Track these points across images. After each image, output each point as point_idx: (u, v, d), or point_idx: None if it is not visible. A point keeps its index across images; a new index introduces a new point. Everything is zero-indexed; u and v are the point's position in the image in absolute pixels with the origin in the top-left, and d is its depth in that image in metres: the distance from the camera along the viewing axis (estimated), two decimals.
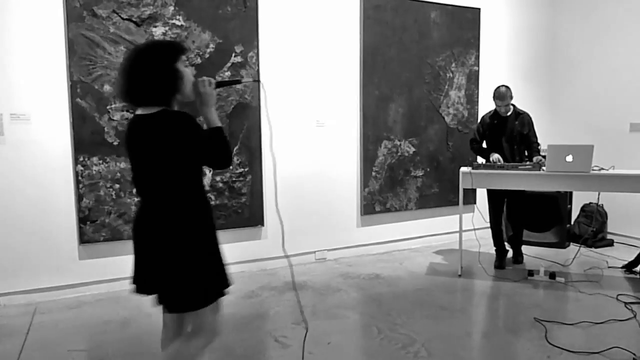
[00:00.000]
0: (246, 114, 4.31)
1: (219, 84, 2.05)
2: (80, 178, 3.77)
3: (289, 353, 2.89)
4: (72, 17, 3.65)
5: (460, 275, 4.32)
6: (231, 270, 4.58)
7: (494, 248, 4.69)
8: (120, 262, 3.98)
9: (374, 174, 4.98)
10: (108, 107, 3.81)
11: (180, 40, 3.99)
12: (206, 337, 1.98)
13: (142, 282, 1.96)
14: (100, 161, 3.82)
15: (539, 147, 4.47)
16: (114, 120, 3.83)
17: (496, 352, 2.93)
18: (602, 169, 4.06)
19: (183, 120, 1.78)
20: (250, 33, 4.27)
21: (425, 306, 3.56)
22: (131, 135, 1.90)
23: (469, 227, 5.00)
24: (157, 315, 3.43)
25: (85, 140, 3.77)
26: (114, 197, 3.88)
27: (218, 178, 4.24)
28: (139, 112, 1.88)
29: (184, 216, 1.86)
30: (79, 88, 3.71)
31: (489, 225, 4.75)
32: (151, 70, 1.80)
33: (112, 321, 3.38)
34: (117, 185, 3.88)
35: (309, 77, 4.63)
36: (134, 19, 3.84)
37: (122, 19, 3.80)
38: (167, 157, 1.80)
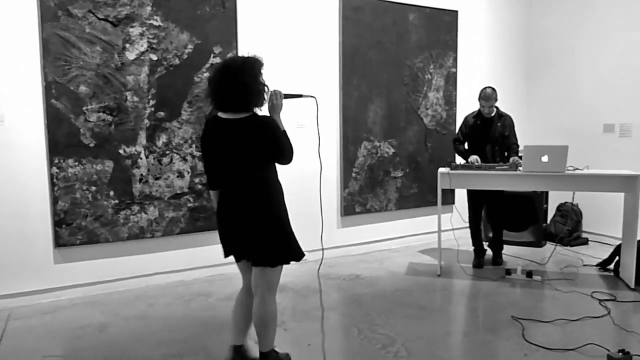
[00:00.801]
0: None
1: (286, 96, 2.53)
2: (55, 180, 3.70)
3: None
4: (47, 16, 3.58)
5: (439, 275, 4.36)
6: (211, 273, 4.58)
7: (472, 247, 4.75)
8: (97, 266, 3.93)
9: (354, 174, 5.00)
10: (84, 109, 3.75)
11: (158, 40, 3.95)
12: (275, 292, 2.52)
13: (238, 250, 2.47)
14: (76, 163, 3.75)
15: (518, 149, 4.54)
16: (90, 121, 3.77)
17: (475, 351, 2.97)
18: (577, 169, 4.14)
19: (272, 124, 2.38)
20: (229, 34, 4.24)
21: (405, 306, 3.58)
22: (221, 134, 2.37)
23: (447, 227, 5.05)
24: (134, 320, 3.39)
25: (61, 141, 3.69)
26: (90, 199, 3.81)
27: (197, 180, 4.21)
28: (225, 116, 2.36)
29: (274, 194, 2.45)
30: (53, 89, 3.64)
31: (467, 225, 4.81)
32: (250, 83, 2.31)
33: (89, 326, 3.32)
34: (94, 188, 3.82)
35: (288, 78, 4.61)
36: (110, 19, 3.78)
37: (98, 18, 3.74)
38: (262, 151, 2.36)
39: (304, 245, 4.66)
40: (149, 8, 3.91)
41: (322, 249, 3.26)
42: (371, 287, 4.09)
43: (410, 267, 4.66)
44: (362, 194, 5.07)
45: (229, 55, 4.25)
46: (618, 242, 4.37)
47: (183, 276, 4.26)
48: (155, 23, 3.95)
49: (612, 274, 4.37)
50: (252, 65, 2.36)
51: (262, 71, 2.39)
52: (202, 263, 4.33)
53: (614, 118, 5.34)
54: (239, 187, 2.42)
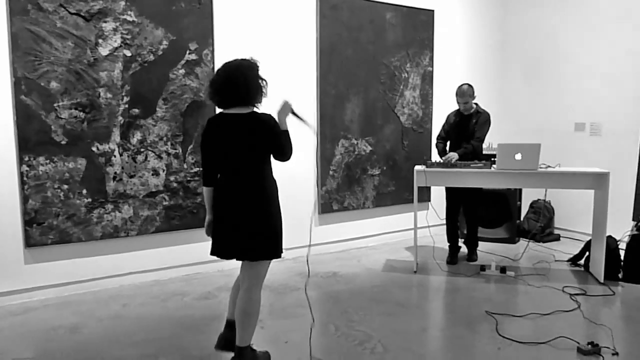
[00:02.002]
0: (201, 113, 4.24)
1: (292, 112, 2.67)
2: (25, 179, 3.60)
3: None
4: (16, 10, 3.48)
5: (415, 272, 4.41)
6: (187, 272, 4.53)
7: (448, 244, 4.81)
8: (70, 266, 3.86)
9: (331, 172, 5.01)
10: (55, 105, 3.66)
11: (132, 36, 3.88)
12: (261, 285, 2.61)
13: (229, 246, 2.54)
14: (47, 161, 3.67)
15: (477, 143, 4.50)
16: (61, 118, 3.69)
17: (450, 345, 3.01)
18: (549, 166, 4.23)
19: (271, 121, 2.52)
20: (205, 30, 4.20)
21: (382, 302, 3.61)
22: (224, 128, 2.51)
23: (423, 225, 5.11)
24: (108, 320, 3.34)
25: (31, 139, 3.60)
26: (62, 198, 3.73)
27: (172, 178, 4.16)
28: (230, 111, 2.52)
29: (269, 189, 2.57)
30: (23, 85, 3.55)
31: (443, 222, 4.87)
32: (254, 82, 2.51)
33: (61, 327, 3.25)
34: (66, 186, 3.74)
35: (265, 76, 4.59)
36: (82, 14, 3.70)
37: (70, 13, 3.66)
38: (260, 146, 2.50)
39: (283, 242, 4.64)
40: (122, 3, 3.84)
41: (309, 246, 3.25)
42: (348, 284, 4.11)
43: (387, 264, 4.70)
44: (340, 191, 5.09)
45: (205, 52, 4.21)
46: (588, 238, 4.48)
47: (158, 275, 4.21)
48: (129, 18, 3.88)
49: (582, 269, 4.48)
50: (250, 65, 2.54)
51: (259, 71, 2.57)
52: (178, 262, 4.28)
53: (585, 117, 5.47)
54: (235, 180, 2.53)
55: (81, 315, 3.45)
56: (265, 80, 2.58)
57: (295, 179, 4.86)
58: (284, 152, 2.57)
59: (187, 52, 4.14)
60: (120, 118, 3.91)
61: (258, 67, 2.58)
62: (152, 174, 4.08)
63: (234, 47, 4.40)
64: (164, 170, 4.12)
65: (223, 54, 4.33)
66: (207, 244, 4.52)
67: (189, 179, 4.23)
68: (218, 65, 4.27)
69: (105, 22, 3.79)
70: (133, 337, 3.10)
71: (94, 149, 3.83)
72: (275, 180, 2.64)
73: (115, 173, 3.92)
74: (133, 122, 3.96)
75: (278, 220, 2.59)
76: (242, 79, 2.48)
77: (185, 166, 4.21)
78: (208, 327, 3.24)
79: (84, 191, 3.81)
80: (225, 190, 2.56)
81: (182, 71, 4.12)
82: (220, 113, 2.57)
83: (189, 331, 3.18)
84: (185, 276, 4.28)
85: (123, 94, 3.90)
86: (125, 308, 3.58)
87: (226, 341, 2.71)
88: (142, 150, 4.02)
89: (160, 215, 4.13)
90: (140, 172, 4.03)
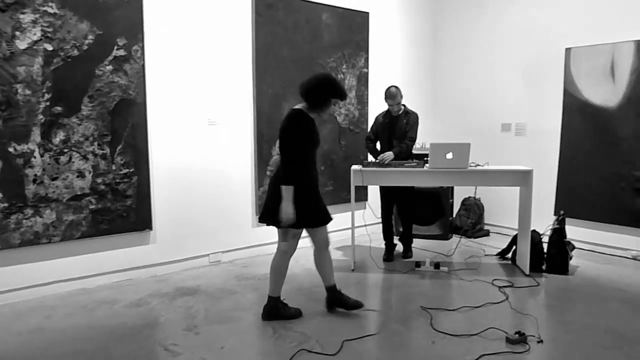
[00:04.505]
0: (131, 112, 4.05)
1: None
2: None
3: None
4: None
5: (353, 270, 4.45)
6: (117, 278, 4.31)
7: (384, 242, 4.90)
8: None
9: (268, 173, 4.95)
10: None
11: (54, 29, 3.64)
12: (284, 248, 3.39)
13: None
14: None
15: (410, 143, 4.62)
16: None
17: (387, 342, 3.05)
18: (478, 165, 4.41)
19: (289, 118, 3.11)
20: (134, 25, 4.02)
21: (321, 302, 3.60)
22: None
23: (360, 223, 5.17)
24: (28, 334, 3.10)
25: None
26: None
27: (99, 180, 3.94)
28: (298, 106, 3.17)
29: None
30: None
31: (379, 220, 4.95)
32: (316, 85, 3.14)
33: None
34: None
35: (199, 74, 4.48)
36: None
37: None
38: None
39: (216, 246, 4.59)
40: None
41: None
42: (287, 285, 4.02)
43: None
44: None
45: (135, 47, 4.03)
46: (515, 233, 4.72)
47: (85, 283, 3.97)
48: (50, 10, 3.63)
49: (510, 262, 4.71)
50: (331, 83, 3.16)
51: (335, 100, 3.17)
52: (107, 268, 4.07)
53: (510, 118, 5.76)
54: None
55: None
56: (331, 103, 3.17)
57: (231, 179, 4.77)
58: (282, 149, 3.12)
59: (115, 47, 3.94)
60: (40, 116, 3.65)
61: (339, 95, 3.18)
62: (77, 176, 3.84)
63: (167, 45, 4.25)
64: (90, 172, 3.89)
65: (154, 50, 4.17)
66: (140, 248, 4.35)
67: (118, 180, 4.02)
68: (149, 62, 4.14)
69: (23, 13, 3.52)
70: (56, 351, 2.89)
71: (10, 149, 3.55)
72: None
73: (36, 175, 3.66)
74: (55, 120, 3.71)
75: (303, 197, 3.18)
76: (314, 81, 3.20)
77: (113, 167, 4.00)
78: (140, 335, 3.09)
79: (0, 195, 3.53)
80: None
81: (109, 67, 3.92)
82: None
83: (119, 341, 3.01)
84: (115, 283, 4.07)
85: (44, 90, 3.65)
86: (48, 320, 3.34)
87: (327, 302, 3.48)
88: (65, 150, 3.78)
89: (86, 220, 3.90)
90: (63, 174, 3.78)
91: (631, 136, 4.71)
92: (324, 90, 3.09)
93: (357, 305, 3.42)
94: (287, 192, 3.03)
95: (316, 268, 3.44)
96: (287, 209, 3.04)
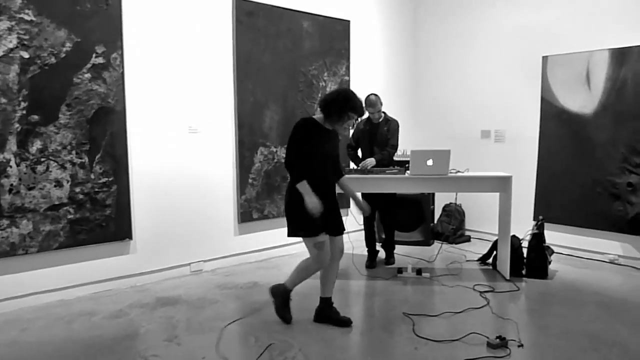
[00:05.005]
0: (110, 120, 4.01)
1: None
2: None
3: None
4: None
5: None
6: (96, 289, 4.23)
7: (366, 249, 4.91)
8: None
9: (250, 180, 4.94)
10: None
11: (31, 36, 3.58)
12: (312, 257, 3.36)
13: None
14: None
15: (392, 150, 4.68)
16: None
17: (370, 349, 3.05)
18: (459, 171, 4.45)
19: (295, 126, 3.19)
20: (113, 33, 3.98)
21: (303, 310, 3.58)
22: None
23: None
24: (3, 347, 3.03)
25: None
26: None
27: (78, 189, 3.88)
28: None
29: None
30: None
31: (362, 227, 4.96)
32: (333, 100, 3.19)
33: None
34: None
35: (179, 82, 4.45)
36: None
37: None
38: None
39: (198, 255, 4.54)
40: (19, 1, 3.54)
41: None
42: (269, 294, 4.03)
43: None
44: (259, 200, 5.02)
45: (114, 55, 3.99)
46: (495, 238, 4.77)
47: (63, 295, 3.89)
48: (26, 17, 3.58)
49: (491, 267, 4.76)
50: (347, 98, 3.18)
51: (352, 115, 3.21)
52: (86, 279, 3.99)
53: (490, 125, 5.84)
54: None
55: None
56: (347, 118, 3.21)
57: (213, 187, 4.74)
58: (286, 154, 3.21)
59: (94, 55, 3.90)
60: (17, 125, 3.58)
61: (357, 111, 3.22)
62: (55, 186, 3.78)
63: (146, 52, 4.22)
64: (68, 181, 3.83)
65: (134, 58, 4.13)
66: (120, 258, 4.29)
67: (96, 190, 3.97)
68: (129, 70, 4.10)
69: None
70: None
71: None
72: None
73: (12, 185, 3.59)
74: (32, 129, 3.65)
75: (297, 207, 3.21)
76: (333, 95, 3.26)
77: (92, 176, 3.94)
78: (119, 347, 3.04)
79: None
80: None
81: (87, 75, 3.87)
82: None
83: (98, 354, 2.95)
84: (94, 294, 4.00)
85: (20, 98, 3.59)
86: (24, 332, 3.27)
87: (316, 313, 3.47)
88: (42, 159, 3.71)
89: (64, 230, 3.83)
90: (40, 184, 3.71)
91: (607, 142, 4.81)
92: (339, 104, 3.16)
93: (346, 323, 3.36)
94: (302, 187, 3.10)
95: (320, 276, 3.44)
96: (311, 200, 3.07)
